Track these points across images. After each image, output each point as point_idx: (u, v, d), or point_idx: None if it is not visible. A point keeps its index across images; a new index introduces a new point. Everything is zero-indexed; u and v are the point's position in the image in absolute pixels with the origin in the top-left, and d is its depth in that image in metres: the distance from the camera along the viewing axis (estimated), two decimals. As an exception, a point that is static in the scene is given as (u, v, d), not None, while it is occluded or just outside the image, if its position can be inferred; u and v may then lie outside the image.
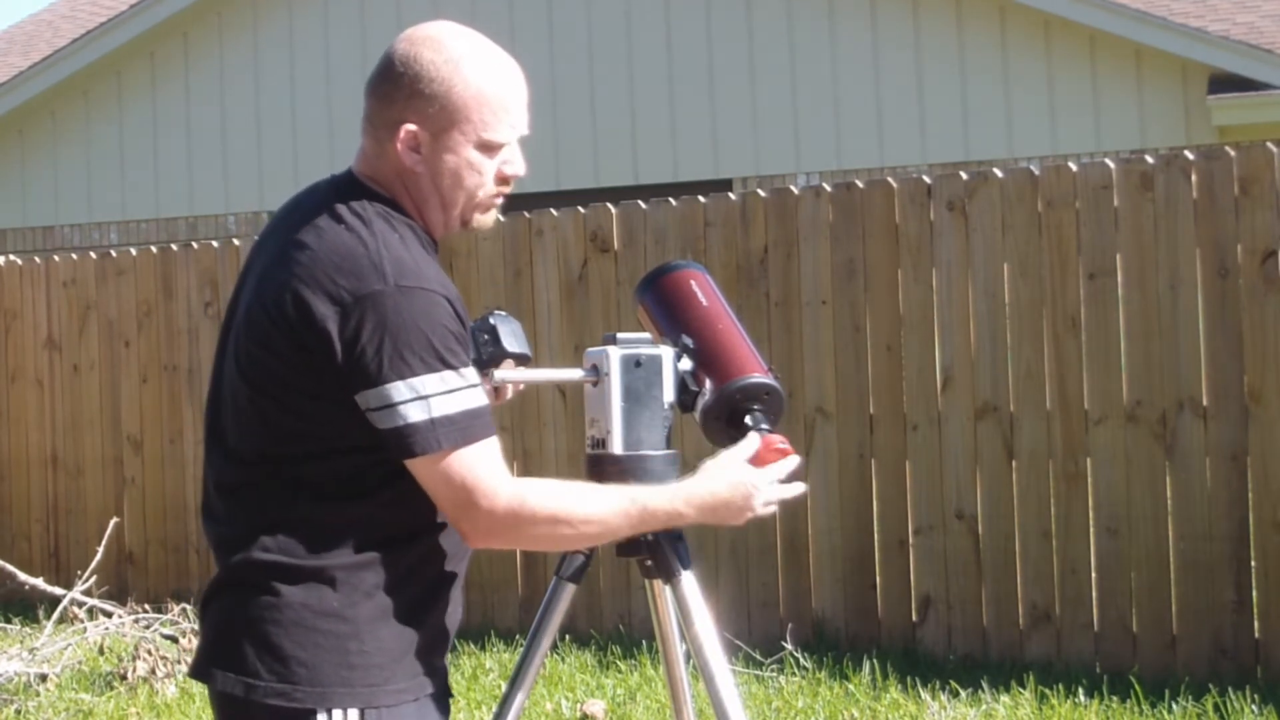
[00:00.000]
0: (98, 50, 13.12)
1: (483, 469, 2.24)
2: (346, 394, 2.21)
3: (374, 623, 2.25)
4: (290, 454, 2.26)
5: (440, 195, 2.35)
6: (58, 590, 7.27)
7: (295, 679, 2.22)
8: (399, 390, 2.19)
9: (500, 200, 2.42)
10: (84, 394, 8.10)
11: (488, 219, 2.41)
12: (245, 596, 2.26)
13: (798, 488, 2.52)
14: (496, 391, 2.54)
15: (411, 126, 2.31)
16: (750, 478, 2.45)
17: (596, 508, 2.33)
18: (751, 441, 2.48)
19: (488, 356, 2.52)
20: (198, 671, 2.32)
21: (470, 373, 2.25)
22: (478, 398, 2.25)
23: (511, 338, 2.52)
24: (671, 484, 2.44)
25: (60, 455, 8.19)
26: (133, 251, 8.14)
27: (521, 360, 2.64)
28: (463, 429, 2.22)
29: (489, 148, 2.34)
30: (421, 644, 2.30)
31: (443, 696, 2.37)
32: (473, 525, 2.26)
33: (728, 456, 2.47)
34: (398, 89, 2.32)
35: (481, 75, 2.34)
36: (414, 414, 2.19)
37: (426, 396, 2.20)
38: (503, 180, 2.38)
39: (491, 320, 2.53)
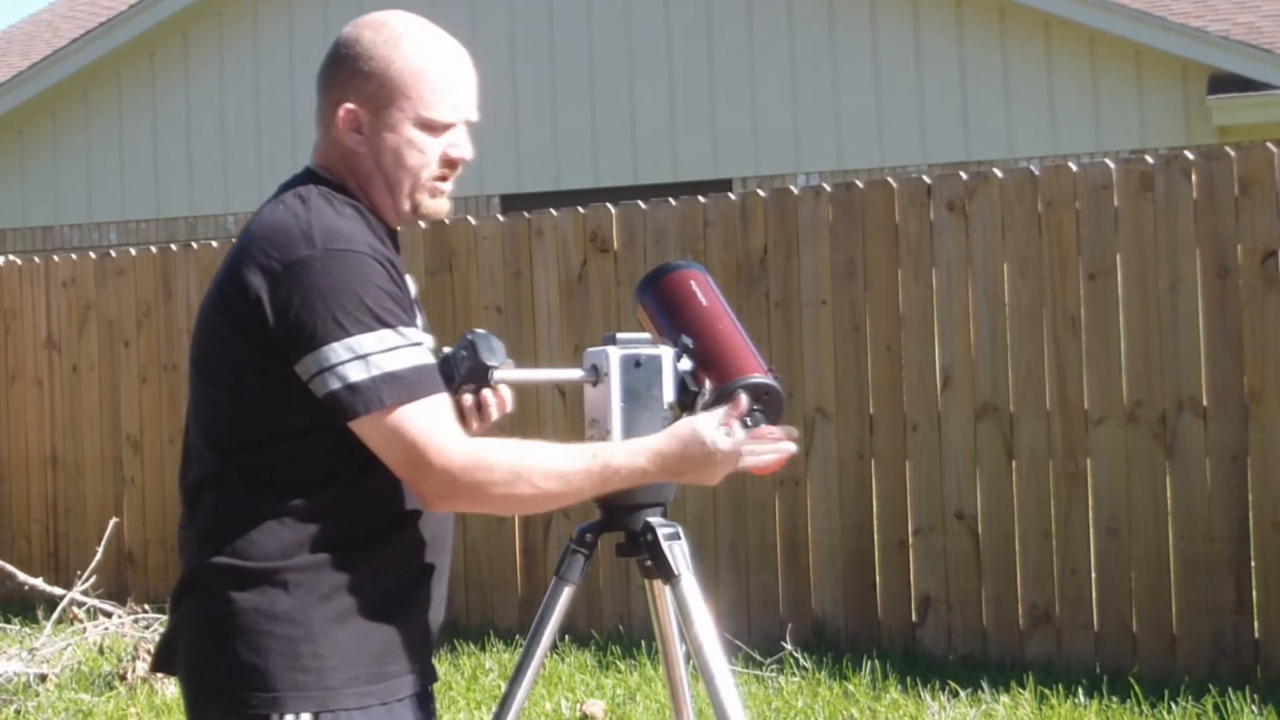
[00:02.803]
0: (98, 50, 13.12)
1: (434, 425, 2.19)
2: (288, 366, 2.18)
3: (330, 624, 2.21)
4: (242, 444, 2.23)
5: (384, 176, 2.34)
6: (57, 590, 7.27)
7: (249, 685, 2.20)
8: (336, 351, 2.16)
9: (449, 185, 2.39)
10: (84, 394, 8.10)
11: (438, 205, 2.38)
12: (201, 602, 2.25)
13: (785, 446, 2.46)
14: (480, 409, 2.48)
15: (351, 105, 2.31)
16: (702, 432, 2.35)
17: (557, 463, 2.27)
18: (715, 413, 2.42)
19: (466, 371, 2.47)
20: (160, 667, 2.33)
21: (413, 332, 2.21)
22: (422, 355, 2.21)
23: (489, 352, 2.48)
24: (632, 440, 2.40)
25: (60, 455, 8.19)
26: (132, 251, 8.14)
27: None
28: (408, 385, 2.17)
29: (430, 126, 2.33)
30: (393, 645, 2.26)
31: (425, 700, 2.33)
32: (430, 485, 2.20)
33: (686, 418, 2.43)
34: (340, 71, 2.33)
35: (421, 53, 2.33)
36: (354, 373, 2.15)
37: (365, 355, 2.16)
38: (449, 163, 2.36)
39: (469, 337, 2.50)
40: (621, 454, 2.33)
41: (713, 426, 2.37)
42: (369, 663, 2.24)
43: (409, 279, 2.37)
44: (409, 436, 2.17)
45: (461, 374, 2.46)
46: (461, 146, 2.38)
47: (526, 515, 2.33)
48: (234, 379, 2.24)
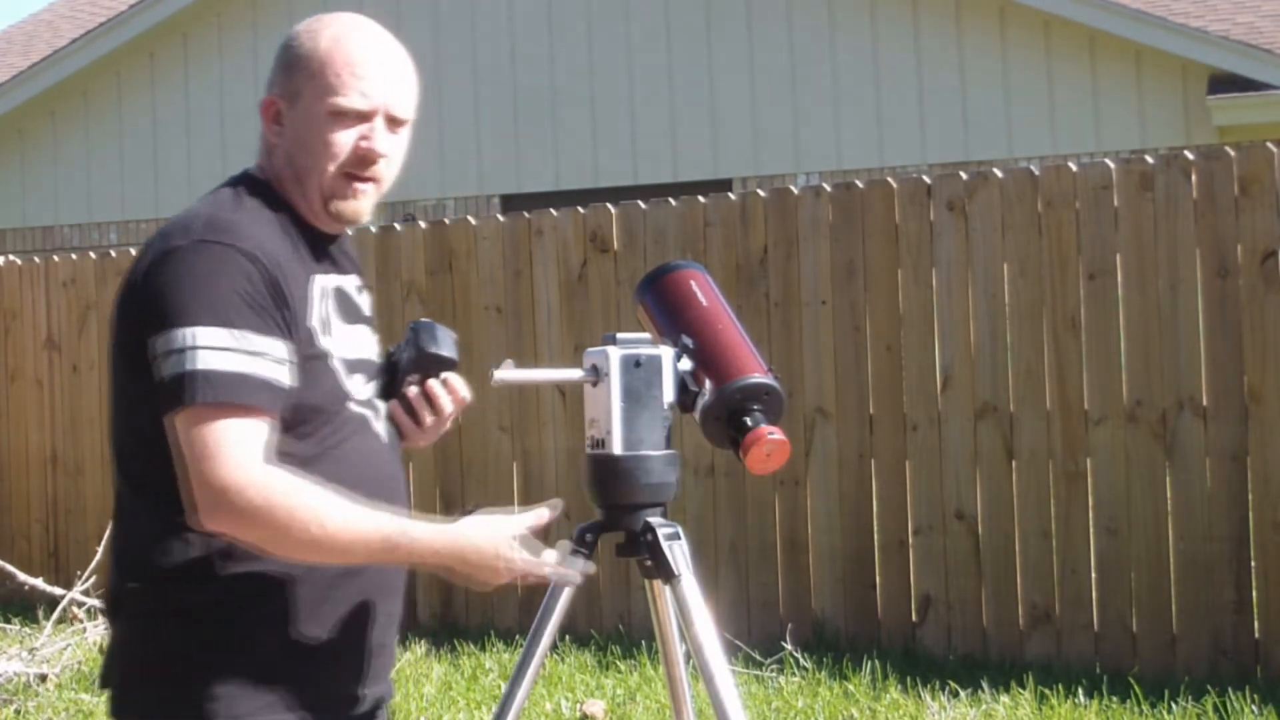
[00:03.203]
0: (98, 50, 13.13)
1: (232, 438, 2.05)
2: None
3: (245, 647, 2.14)
4: (136, 453, 2.19)
5: (294, 168, 2.24)
6: (57, 590, 7.26)
7: (163, 712, 2.17)
8: (171, 339, 2.08)
9: (367, 186, 2.25)
10: (84, 394, 8.10)
11: (352, 206, 2.25)
12: (122, 625, 2.23)
13: (566, 574, 2.31)
14: (429, 401, 2.35)
15: (270, 96, 2.27)
16: (501, 549, 2.20)
17: (349, 518, 2.10)
18: (520, 521, 2.27)
19: (407, 362, 2.38)
20: (103, 683, 2.30)
21: (254, 339, 2.09)
22: (251, 364, 2.08)
23: (431, 339, 2.37)
24: (438, 529, 2.22)
25: (60, 455, 8.19)
26: (132, 251, 8.13)
27: (447, 365, 2.40)
28: (220, 389, 2.05)
29: (338, 113, 2.21)
30: (319, 668, 2.20)
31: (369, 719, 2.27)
32: (201, 496, 2.06)
33: (493, 522, 2.25)
34: (272, 67, 2.30)
35: (337, 40, 2.24)
36: (177, 364, 2.07)
37: (192, 348, 2.06)
38: (360, 159, 2.23)
39: (412, 326, 2.40)
40: (421, 538, 2.18)
41: (511, 541, 2.21)
42: (290, 691, 2.17)
43: (340, 283, 2.29)
44: (199, 442, 2.06)
45: (404, 365, 2.37)
46: (375, 140, 2.23)
47: (302, 558, 2.09)
48: (127, 378, 2.19)
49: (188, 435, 2.07)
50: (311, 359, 2.19)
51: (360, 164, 2.24)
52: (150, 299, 2.13)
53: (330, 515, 2.09)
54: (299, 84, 2.24)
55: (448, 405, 2.39)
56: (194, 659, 2.14)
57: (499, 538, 2.21)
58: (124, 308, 2.19)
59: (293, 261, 2.19)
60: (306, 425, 2.18)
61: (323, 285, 2.25)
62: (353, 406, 2.27)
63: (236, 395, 2.07)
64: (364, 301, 2.40)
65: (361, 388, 2.30)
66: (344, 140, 2.22)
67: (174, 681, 2.15)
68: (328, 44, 2.24)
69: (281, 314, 2.14)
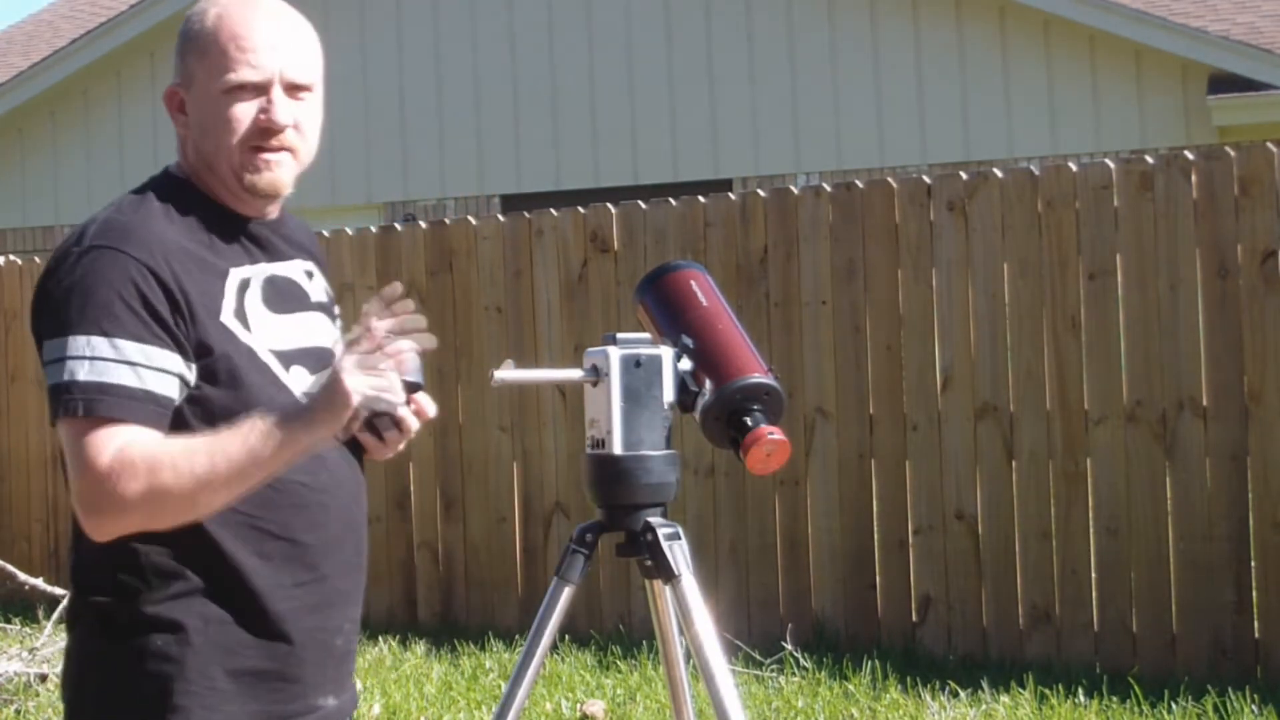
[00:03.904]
0: (98, 50, 13.13)
1: (94, 449, 2.03)
2: None
3: (203, 659, 2.11)
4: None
5: (200, 153, 2.21)
6: (58, 590, 7.25)
7: None
8: (51, 347, 2.07)
9: (278, 156, 2.18)
10: (84, 394, 8.09)
11: (268, 179, 2.18)
12: (78, 636, 2.21)
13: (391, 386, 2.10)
14: (399, 426, 2.21)
15: (171, 86, 2.25)
16: (345, 361, 2.07)
17: (200, 443, 2.05)
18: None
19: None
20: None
21: (133, 347, 2.04)
22: (124, 375, 2.03)
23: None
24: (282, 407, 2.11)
25: (60, 455, 8.17)
26: (133, 251, 8.13)
27: (413, 390, 2.22)
28: (87, 402, 2.02)
29: (231, 89, 2.16)
30: (280, 676, 2.17)
31: None
32: (79, 505, 2.06)
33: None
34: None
35: (221, 16, 2.18)
36: (55, 375, 2.05)
37: (66, 359, 2.04)
38: (263, 131, 2.17)
39: None
40: (286, 404, 2.10)
41: (350, 364, 2.07)
42: (248, 699, 2.15)
43: (270, 272, 2.21)
44: (70, 451, 2.05)
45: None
46: (275, 110, 2.16)
47: (199, 514, 2.00)
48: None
49: (65, 446, 2.06)
50: (231, 357, 2.14)
51: (263, 135, 2.18)
52: (40, 306, 2.13)
53: (197, 454, 2.04)
54: (192, 67, 2.20)
55: (415, 426, 2.25)
56: (152, 670, 2.11)
57: (340, 365, 2.06)
58: (31, 314, 2.18)
59: (200, 260, 2.14)
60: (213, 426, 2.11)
61: (243, 277, 2.19)
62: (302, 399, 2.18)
63: (103, 408, 2.03)
64: (314, 287, 2.33)
65: (304, 379, 2.22)
66: (242, 115, 2.17)
67: (133, 694, 2.12)
68: (213, 22, 2.18)
69: (175, 319, 2.09)
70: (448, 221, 7.25)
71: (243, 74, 2.16)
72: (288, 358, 2.21)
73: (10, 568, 7.41)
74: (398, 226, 7.33)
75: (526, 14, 12.23)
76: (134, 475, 2.02)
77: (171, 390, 2.09)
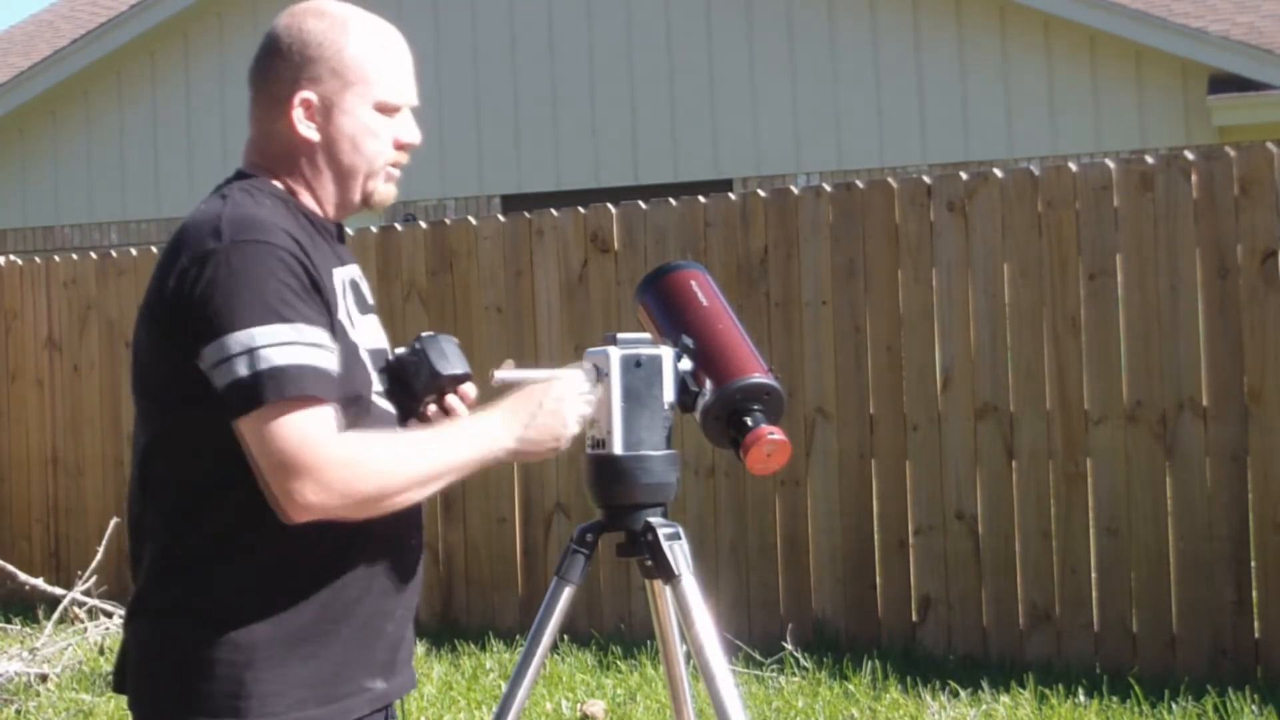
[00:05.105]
0: (98, 50, 13.13)
1: (308, 429, 2.07)
2: (196, 363, 2.10)
3: (274, 649, 2.15)
4: (174, 465, 2.18)
5: (338, 165, 2.29)
6: (58, 590, 7.27)
7: (190, 712, 2.16)
8: (227, 345, 2.06)
9: (398, 171, 2.35)
10: (84, 394, 8.10)
11: (389, 191, 2.34)
12: (146, 627, 2.23)
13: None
14: (447, 414, 2.36)
15: (306, 94, 2.25)
16: (558, 389, 2.38)
17: (427, 444, 2.21)
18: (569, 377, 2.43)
19: (421, 386, 2.35)
20: (118, 687, 2.31)
21: (310, 330, 2.10)
22: (314, 356, 2.09)
23: (441, 358, 2.35)
24: (496, 415, 2.33)
25: (60, 455, 8.19)
26: (133, 251, 8.14)
27: (461, 380, 2.38)
28: (291, 384, 2.06)
29: (387, 109, 2.30)
30: (346, 664, 2.22)
31: (386, 712, 2.30)
32: (293, 487, 2.07)
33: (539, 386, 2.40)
34: (286, 62, 2.26)
35: (372, 36, 2.30)
36: (241, 368, 2.06)
37: (254, 349, 2.06)
38: (400, 147, 2.33)
39: (417, 345, 2.35)
40: (486, 414, 2.31)
41: (575, 391, 2.40)
42: (318, 685, 2.18)
43: (352, 275, 2.31)
44: (279, 437, 2.06)
45: (418, 387, 2.35)
46: (411, 130, 2.35)
47: (409, 507, 2.11)
48: (165, 391, 2.18)
49: (263, 435, 2.06)
50: (346, 353, 2.21)
51: (401, 152, 2.34)
52: (193, 308, 2.10)
53: (407, 456, 2.17)
54: (342, 82, 2.27)
55: (464, 412, 2.39)
56: (223, 658, 2.15)
57: (561, 385, 2.38)
58: (155, 319, 2.17)
59: (316, 256, 2.20)
60: (343, 417, 2.18)
61: (342, 278, 2.27)
62: (378, 400, 2.28)
63: (307, 387, 2.07)
64: (369, 291, 2.43)
65: (379, 380, 2.32)
66: (390, 132, 2.31)
67: (208, 681, 2.15)
68: (365, 42, 2.29)
69: (321, 305, 2.16)
70: (448, 221, 7.25)
71: (398, 97, 2.31)
72: (373, 357, 2.31)
73: (10, 568, 7.41)
74: (398, 226, 7.34)
75: (527, 15, 12.24)
76: (356, 474, 2.11)
77: (337, 367, 2.16)
